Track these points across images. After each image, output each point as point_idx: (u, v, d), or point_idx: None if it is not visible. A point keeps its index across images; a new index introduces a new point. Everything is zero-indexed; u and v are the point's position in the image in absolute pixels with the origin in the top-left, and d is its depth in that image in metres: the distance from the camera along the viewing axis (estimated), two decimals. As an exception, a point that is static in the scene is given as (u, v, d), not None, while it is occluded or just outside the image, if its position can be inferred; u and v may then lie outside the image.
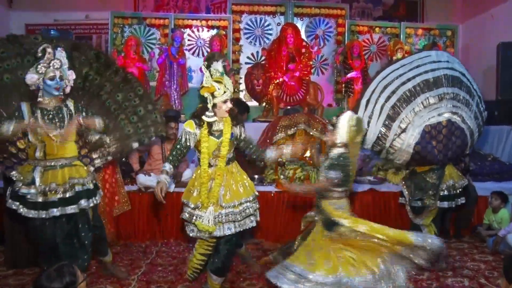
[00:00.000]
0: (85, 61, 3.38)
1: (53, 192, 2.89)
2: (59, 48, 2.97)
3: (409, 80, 3.42)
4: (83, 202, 2.98)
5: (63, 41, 3.32)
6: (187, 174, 4.65)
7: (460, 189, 3.76)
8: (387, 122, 3.42)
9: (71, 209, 2.92)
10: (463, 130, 3.49)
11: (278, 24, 6.66)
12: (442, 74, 3.43)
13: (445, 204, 3.68)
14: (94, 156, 3.30)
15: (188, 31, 6.49)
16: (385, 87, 3.44)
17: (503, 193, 4.48)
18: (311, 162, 4.85)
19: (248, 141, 3.09)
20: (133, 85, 3.62)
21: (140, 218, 4.41)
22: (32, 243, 3.09)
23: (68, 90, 3.03)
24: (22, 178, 2.91)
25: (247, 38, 6.69)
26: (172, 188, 4.41)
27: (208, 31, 6.54)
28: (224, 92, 2.80)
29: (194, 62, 6.42)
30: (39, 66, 2.87)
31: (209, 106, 2.82)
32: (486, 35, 6.84)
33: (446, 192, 3.68)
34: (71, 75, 3.02)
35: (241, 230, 2.93)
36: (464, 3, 7.82)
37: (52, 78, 2.88)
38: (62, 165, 2.97)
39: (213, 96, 2.79)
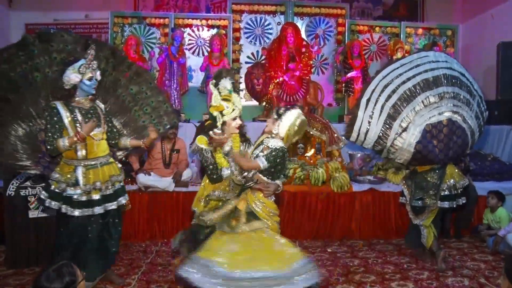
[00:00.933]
0: (103, 58, 3.43)
1: (97, 190, 2.99)
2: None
3: (409, 79, 3.42)
4: (121, 199, 3.14)
5: (82, 40, 3.39)
6: (186, 174, 4.64)
7: (461, 189, 3.72)
8: (388, 121, 3.42)
9: (111, 206, 3.06)
10: (464, 129, 3.47)
11: (278, 23, 6.66)
12: (441, 74, 3.43)
13: (446, 204, 3.65)
14: (115, 148, 3.38)
15: (188, 30, 6.49)
16: (386, 86, 3.44)
17: (500, 192, 4.48)
18: (311, 161, 4.85)
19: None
20: (145, 78, 3.71)
21: (140, 218, 4.40)
22: (58, 240, 3.14)
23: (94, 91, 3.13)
24: (64, 179, 2.96)
25: (247, 38, 6.69)
26: (172, 188, 4.42)
27: (208, 30, 6.54)
28: (233, 110, 2.85)
29: (194, 61, 6.42)
30: (81, 67, 2.93)
31: (218, 124, 2.88)
32: (486, 34, 6.84)
33: (447, 192, 3.63)
34: (99, 76, 3.09)
35: None
36: (464, 3, 7.82)
37: (90, 79, 2.97)
38: (101, 163, 3.06)
39: (222, 115, 2.85)
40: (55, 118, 2.90)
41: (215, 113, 2.87)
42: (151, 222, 4.42)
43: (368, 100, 3.45)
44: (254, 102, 6.34)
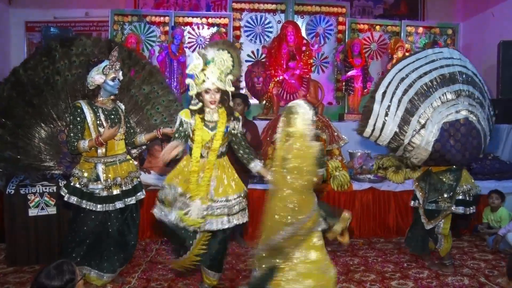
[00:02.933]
0: (120, 59, 3.46)
1: (117, 185, 3.10)
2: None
3: (425, 73, 3.27)
4: (140, 194, 3.29)
5: (102, 42, 3.55)
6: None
7: (473, 197, 3.52)
8: (405, 117, 3.23)
9: (130, 201, 3.20)
10: (479, 130, 3.29)
11: (279, 22, 6.64)
12: (457, 71, 3.30)
13: (461, 209, 3.41)
14: (129, 146, 3.47)
15: (188, 28, 6.47)
16: (402, 80, 3.27)
17: (501, 192, 4.49)
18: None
19: (240, 141, 2.94)
20: (157, 78, 3.80)
21: (140, 216, 4.39)
22: (70, 236, 3.20)
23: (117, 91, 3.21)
24: (87, 175, 3.06)
25: (248, 36, 6.68)
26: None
27: (208, 28, 6.52)
28: (203, 81, 2.67)
29: (194, 60, 6.40)
30: (105, 68, 3.05)
31: (191, 93, 2.76)
32: (487, 33, 6.82)
33: (461, 197, 3.44)
34: (121, 76, 3.19)
35: (237, 223, 2.83)
36: (465, 2, 7.80)
37: (113, 79, 3.08)
38: (120, 160, 3.18)
39: (195, 84, 2.72)
40: (78, 119, 3.02)
41: (187, 81, 2.76)
42: (151, 221, 4.42)
43: (384, 93, 3.27)
44: (255, 101, 6.33)
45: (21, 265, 3.67)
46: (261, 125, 5.18)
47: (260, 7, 6.64)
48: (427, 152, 3.26)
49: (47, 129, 3.42)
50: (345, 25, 6.70)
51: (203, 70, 2.69)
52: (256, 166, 2.92)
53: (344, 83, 6.46)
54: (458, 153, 3.26)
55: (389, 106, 3.25)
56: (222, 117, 2.82)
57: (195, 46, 6.50)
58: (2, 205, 3.87)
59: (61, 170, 3.41)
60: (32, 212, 3.71)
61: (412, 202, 3.74)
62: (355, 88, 6.28)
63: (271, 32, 6.65)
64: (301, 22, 6.63)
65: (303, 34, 6.47)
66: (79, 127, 3.02)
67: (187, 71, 2.76)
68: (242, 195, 2.88)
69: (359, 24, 6.81)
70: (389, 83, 3.30)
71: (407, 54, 6.38)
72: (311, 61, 6.33)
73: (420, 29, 6.91)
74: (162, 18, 6.41)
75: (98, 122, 3.05)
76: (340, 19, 6.76)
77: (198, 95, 2.74)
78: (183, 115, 2.79)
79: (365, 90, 6.38)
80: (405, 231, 4.09)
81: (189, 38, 6.46)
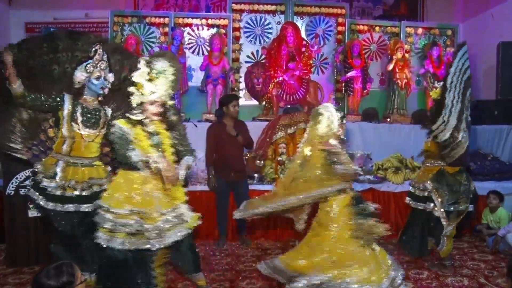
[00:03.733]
0: (126, 65, 3.45)
1: (71, 188, 2.98)
2: (104, 50, 3.08)
3: (466, 70, 3.27)
4: (98, 202, 2.99)
5: (107, 43, 3.43)
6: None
7: (471, 195, 3.57)
8: (461, 112, 3.17)
9: (85, 207, 3.00)
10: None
11: (278, 23, 6.64)
12: (470, 73, 3.34)
13: (471, 208, 3.50)
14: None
15: (188, 29, 6.47)
16: (460, 71, 3.23)
17: (500, 192, 4.49)
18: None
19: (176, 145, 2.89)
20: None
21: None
22: (49, 233, 3.19)
23: (106, 91, 3.11)
24: (44, 170, 3.00)
25: (247, 37, 6.68)
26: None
27: (208, 29, 6.52)
28: (152, 92, 2.62)
29: (194, 61, 6.40)
30: (88, 66, 2.99)
31: (133, 102, 2.65)
32: (487, 34, 6.83)
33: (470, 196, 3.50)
34: (111, 78, 3.11)
35: (190, 229, 2.74)
36: (464, 3, 7.81)
37: (98, 78, 3.01)
38: (83, 164, 3.05)
39: (140, 94, 2.63)
40: (57, 101, 2.97)
41: (131, 89, 2.64)
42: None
43: (451, 83, 3.18)
44: (254, 102, 6.34)
45: (21, 266, 3.67)
46: (261, 126, 5.19)
47: (260, 8, 6.64)
48: (463, 151, 3.22)
49: (31, 113, 3.24)
50: (345, 26, 6.70)
51: (151, 80, 2.62)
52: (188, 160, 2.85)
53: (343, 84, 6.46)
54: (468, 153, 3.35)
55: (453, 98, 3.17)
56: (160, 129, 2.75)
57: (195, 47, 6.50)
58: (2, 205, 3.87)
59: (26, 156, 3.23)
60: (32, 213, 3.71)
61: (426, 205, 3.63)
62: (355, 89, 6.28)
63: (270, 33, 6.65)
64: (300, 23, 6.64)
65: (303, 35, 6.47)
66: (48, 103, 2.95)
67: (132, 78, 2.65)
68: (185, 201, 2.79)
69: (358, 25, 6.82)
70: (454, 73, 3.21)
71: (406, 55, 6.43)
72: (311, 62, 6.34)
73: (420, 30, 6.92)
74: (162, 19, 6.41)
75: (74, 116, 2.97)
76: (340, 20, 6.76)
77: (141, 104, 2.66)
78: (122, 123, 2.64)
79: (365, 91, 6.39)
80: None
81: (189, 39, 6.46)
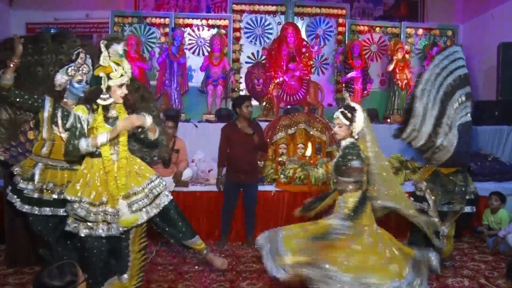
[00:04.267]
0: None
1: (49, 191, 2.94)
2: (87, 55, 3.04)
3: (451, 73, 3.28)
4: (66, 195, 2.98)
5: (91, 47, 3.34)
6: (187, 173, 4.64)
7: (472, 196, 3.60)
8: (438, 117, 3.22)
9: (63, 212, 2.92)
10: (472, 130, 3.41)
11: (279, 23, 6.65)
12: (466, 72, 3.34)
13: (469, 209, 3.49)
14: None
15: (188, 30, 6.48)
16: (437, 77, 3.25)
17: (502, 194, 4.48)
18: (311, 161, 4.85)
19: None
20: (149, 104, 3.63)
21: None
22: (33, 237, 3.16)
23: None
24: (22, 172, 2.98)
25: (248, 37, 6.68)
26: (172, 187, 4.41)
27: (208, 30, 6.53)
28: (121, 75, 2.60)
29: (194, 61, 6.41)
30: (69, 69, 2.96)
31: (103, 87, 2.58)
32: (487, 35, 6.83)
33: (468, 197, 3.51)
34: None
35: (165, 203, 2.76)
36: (464, 3, 7.81)
37: (79, 82, 2.97)
38: (63, 167, 3.01)
39: (109, 78, 2.58)
40: (39, 102, 2.97)
41: (101, 74, 2.56)
42: (150, 222, 4.41)
43: (424, 90, 3.22)
44: (254, 102, 6.32)
45: (21, 266, 3.67)
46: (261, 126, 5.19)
47: (260, 9, 6.65)
48: (449, 154, 3.26)
49: (11, 113, 3.21)
50: (345, 27, 6.71)
51: (117, 64, 2.59)
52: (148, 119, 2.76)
53: (344, 85, 6.46)
54: (466, 154, 3.33)
55: (427, 104, 3.19)
56: (122, 111, 2.72)
57: (195, 47, 6.51)
58: (2, 206, 3.86)
59: (4, 157, 3.20)
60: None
61: (420, 204, 3.61)
62: (355, 90, 6.28)
63: (271, 33, 6.66)
64: (301, 24, 6.64)
65: (303, 35, 6.48)
66: (30, 102, 2.95)
67: (100, 62, 2.59)
68: (154, 178, 2.79)
69: (359, 25, 6.82)
70: (427, 79, 3.24)
71: (407, 55, 6.44)
72: (311, 62, 6.35)
73: (420, 31, 6.92)
74: (162, 19, 6.42)
75: (54, 119, 2.95)
76: (340, 20, 6.77)
77: (109, 88, 2.60)
78: (80, 111, 2.57)
79: (365, 92, 6.40)
80: (406, 233, 4.08)
81: (189, 39, 6.46)
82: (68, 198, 2.58)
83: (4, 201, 3.76)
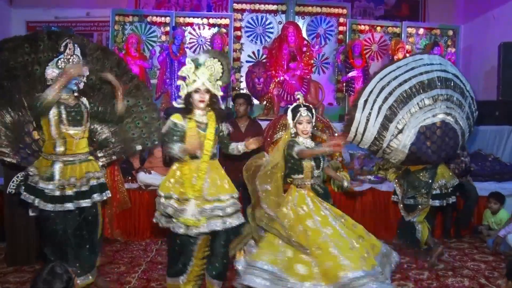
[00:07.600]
0: (107, 66, 3.44)
1: (71, 185, 2.96)
2: (75, 45, 3.02)
3: (405, 81, 3.43)
4: (96, 196, 3.06)
5: (88, 41, 3.44)
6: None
7: (451, 189, 3.84)
8: (384, 123, 3.42)
9: (85, 203, 2.99)
10: (455, 131, 3.53)
11: (280, 22, 6.64)
12: (435, 76, 3.45)
13: (437, 203, 3.77)
14: (99, 154, 3.35)
15: (189, 29, 6.48)
16: (383, 88, 3.43)
17: (501, 195, 4.48)
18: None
19: (223, 140, 3.08)
20: (143, 93, 3.69)
21: (141, 216, 4.41)
22: (41, 235, 3.15)
23: (81, 86, 3.07)
24: (39, 172, 2.96)
25: (248, 37, 6.68)
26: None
27: (209, 29, 6.53)
28: (194, 81, 2.75)
29: (195, 60, 6.40)
30: (59, 61, 2.94)
31: (181, 93, 2.80)
32: (488, 35, 6.83)
33: (438, 191, 3.76)
34: (86, 72, 3.04)
35: (230, 226, 2.79)
36: (466, 4, 7.81)
37: None
38: (80, 160, 3.04)
39: (186, 85, 2.78)
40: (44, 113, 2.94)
41: (179, 82, 2.83)
42: (151, 221, 4.41)
43: (366, 101, 3.44)
44: (255, 101, 6.32)
45: (21, 265, 3.67)
46: (262, 125, 5.18)
47: (261, 8, 6.65)
48: (404, 154, 3.47)
49: (14, 116, 3.21)
50: (346, 26, 6.71)
51: (194, 72, 2.76)
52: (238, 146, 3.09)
53: (344, 84, 6.46)
54: (434, 154, 3.50)
55: (370, 114, 3.40)
56: (211, 119, 2.87)
57: (196, 46, 6.51)
58: (3, 204, 3.87)
59: (15, 159, 3.19)
60: (33, 211, 3.70)
61: (393, 197, 4.05)
62: (356, 89, 6.26)
63: (272, 32, 6.66)
64: (302, 23, 6.64)
65: (304, 35, 6.48)
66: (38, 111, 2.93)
67: (179, 73, 2.83)
68: (235, 196, 2.88)
69: (360, 25, 6.82)
70: (371, 91, 3.43)
71: (407, 55, 6.42)
72: (312, 62, 6.34)
73: (421, 30, 6.92)
74: (163, 18, 6.42)
75: (60, 118, 2.93)
76: (341, 20, 6.77)
77: (188, 96, 2.80)
78: (176, 118, 2.80)
79: (366, 91, 6.39)
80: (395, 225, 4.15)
81: (190, 38, 6.46)
82: (160, 192, 2.81)
83: (4, 199, 3.77)
